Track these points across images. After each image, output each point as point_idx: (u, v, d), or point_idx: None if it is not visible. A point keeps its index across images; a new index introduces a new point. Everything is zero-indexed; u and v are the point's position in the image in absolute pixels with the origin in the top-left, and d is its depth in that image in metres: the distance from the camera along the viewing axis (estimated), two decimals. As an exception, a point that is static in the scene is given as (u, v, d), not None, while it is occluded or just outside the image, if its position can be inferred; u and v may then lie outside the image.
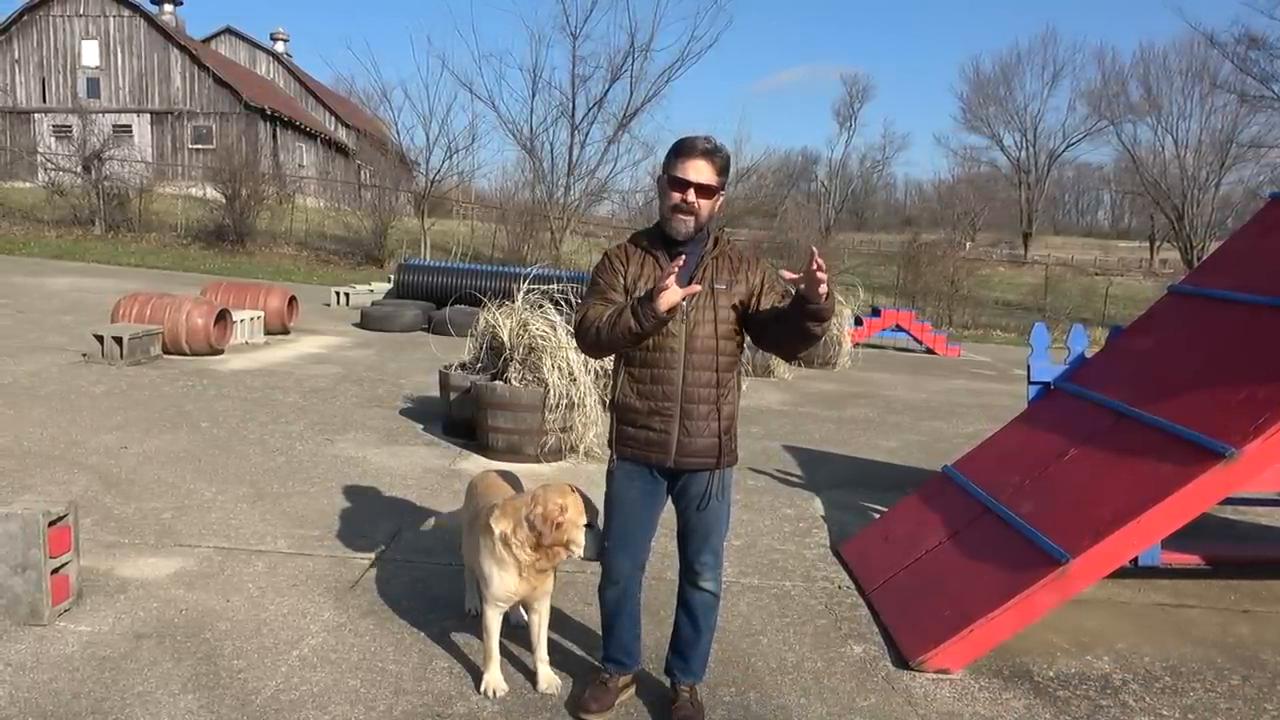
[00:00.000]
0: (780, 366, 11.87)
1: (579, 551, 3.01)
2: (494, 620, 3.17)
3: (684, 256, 2.80)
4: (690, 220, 2.85)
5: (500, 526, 3.08)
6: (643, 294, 2.72)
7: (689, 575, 3.07)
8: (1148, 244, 52.93)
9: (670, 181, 2.86)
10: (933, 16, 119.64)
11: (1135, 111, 43.94)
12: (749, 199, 29.90)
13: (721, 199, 2.92)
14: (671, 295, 2.62)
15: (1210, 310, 4.73)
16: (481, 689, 3.18)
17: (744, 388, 3.20)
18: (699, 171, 2.81)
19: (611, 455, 3.05)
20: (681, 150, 2.85)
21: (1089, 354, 5.26)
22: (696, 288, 2.73)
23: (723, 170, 2.87)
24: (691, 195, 2.82)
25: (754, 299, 2.92)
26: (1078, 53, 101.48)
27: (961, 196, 50.82)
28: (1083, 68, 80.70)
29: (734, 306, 2.91)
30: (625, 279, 2.94)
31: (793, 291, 2.73)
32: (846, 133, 63.92)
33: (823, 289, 2.60)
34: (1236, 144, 39.42)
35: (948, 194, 53.71)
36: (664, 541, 3.71)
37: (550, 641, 3.30)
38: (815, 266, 2.56)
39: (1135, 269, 44.37)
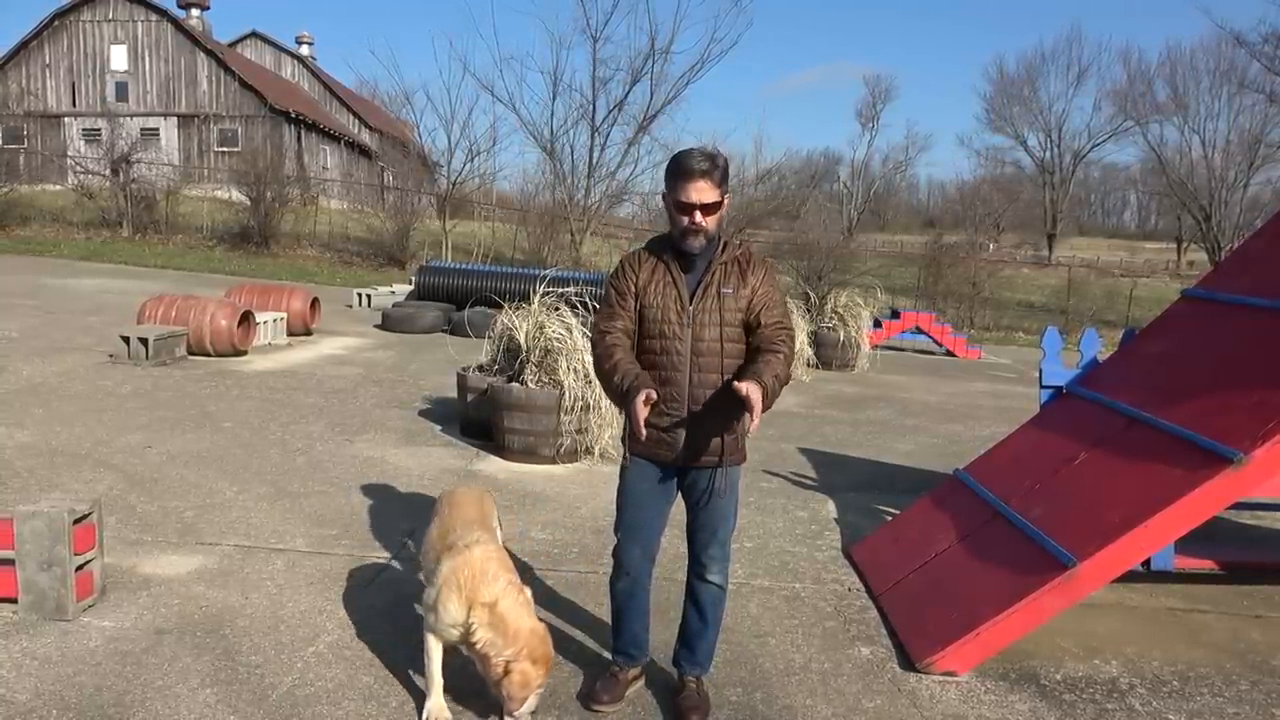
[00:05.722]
0: (798, 369, 11.86)
1: (514, 708, 2.83)
2: (435, 647, 2.99)
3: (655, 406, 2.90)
4: (701, 236, 2.98)
5: (447, 613, 2.89)
6: (633, 387, 2.85)
7: (696, 569, 3.16)
8: (1175, 245, 52.37)
9: (676, 205, 2.94)
10: (956, 16, 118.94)
11: (1162, 111, 43.58)
12: (770, 200, 29.84)
13: (727, 202, 3.01)
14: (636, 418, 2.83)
15: (1224, 314, 4.71)
16: (423, 716, 2.99)
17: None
18: (701, 193, 2.90)
19: (624, 451, 3.16)
20: (680, 172, 2.91)
21: (1102, 358, 5.25)
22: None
23: (722, 180, 2.95)
24: (699, 216, 2.92)
25: (749, 303, 3.02)
26: (1103, 52, 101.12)
27: (985, 197, 50.36)
28: (1108, 67, 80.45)
29: (740, 310, 3.01)
30: (636, 283, 3.07)
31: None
32: (869, 133, 63.34)
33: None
34: (1265, 144, 39.02)
35: (971, 195, 53.27)
36: (676, 543, 3.75)
37: (561, 635, 3.31)
38: (750, 418, 2.78)
39: (1162, 271, 43.87)
